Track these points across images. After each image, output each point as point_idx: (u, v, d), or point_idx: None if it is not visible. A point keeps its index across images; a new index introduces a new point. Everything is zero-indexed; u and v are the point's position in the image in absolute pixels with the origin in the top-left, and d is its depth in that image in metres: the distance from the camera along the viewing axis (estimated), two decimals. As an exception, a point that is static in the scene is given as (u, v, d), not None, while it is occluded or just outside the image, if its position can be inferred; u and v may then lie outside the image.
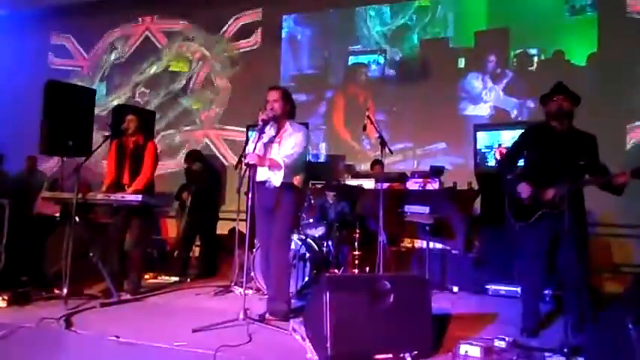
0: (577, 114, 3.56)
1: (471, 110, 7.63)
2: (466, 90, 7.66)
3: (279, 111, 3.86)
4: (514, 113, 7.36)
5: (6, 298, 4.10)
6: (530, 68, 7.38)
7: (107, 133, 4.95)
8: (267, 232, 3.91)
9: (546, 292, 4.56)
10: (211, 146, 9.04)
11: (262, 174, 3.86)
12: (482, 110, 7.55)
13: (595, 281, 4.79)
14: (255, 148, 3.76)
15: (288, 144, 3.84)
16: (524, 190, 3.46)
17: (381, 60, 8.29)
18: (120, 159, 4.89)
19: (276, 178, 3.77)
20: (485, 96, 7.57)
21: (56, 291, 4.44)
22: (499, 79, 7.51)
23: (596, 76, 6.84)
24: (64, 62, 10.41)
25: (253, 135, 3.85)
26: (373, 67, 8.33)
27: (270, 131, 3.92)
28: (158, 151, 5.11)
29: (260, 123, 3.78)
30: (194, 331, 3.35)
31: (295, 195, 3.92)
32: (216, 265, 6.30)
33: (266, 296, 4.59)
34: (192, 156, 6.61)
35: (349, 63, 8.50)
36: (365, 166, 7.47)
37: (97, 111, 6.81)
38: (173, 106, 9.50)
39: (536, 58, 7.36)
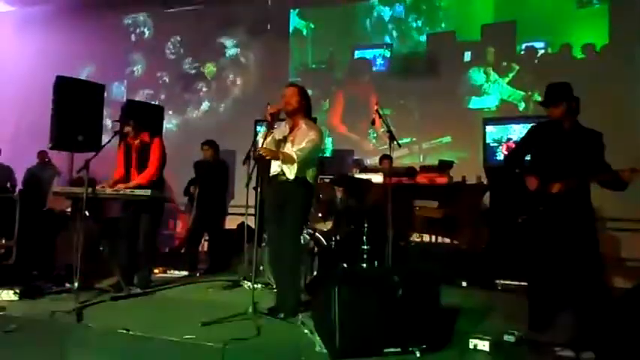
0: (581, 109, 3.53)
1: (477, 104, 7.60)
2: (472, 83, 7.63)
3: (296, 105, 3.85)
4: (521, 107, 7.32)
5: (18, 291, 4.15)
6: (537, 61, 7.33)
7: (117, 129, 4.99)
8: (277, 227, 3.89)
9: (555, 287, 4.53)
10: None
11: (276, 168, 3.86)
12: (488, 104, 7.51)
13: (605, 276, 4.75)
14: (263, 143, 3.75)
15: (302, 139, 3.80)
16: (531, 182, 3.45)
17: (387, 54, 8.26)
18: (127, 159, 4.93)
19: (289, 172, 3.75)
20: (490, 89, 7.53)
21: (67, 285, 4.49)
22: (505, 73, 7.46)
23: (605, 68, 6.77)
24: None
25: (262, 130, 3.85)
26: (379, 61, 8.30)
27: (284, 128, 3.93)
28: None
29: (268, 118, 3.77)
30: (203, 324, 3.37)
31: (307, 191, 3.87)
32: (225, 259, 6.32)
33: (275, 290, 4.62)
34: (207, 143, 6.60)
35: (355, 57, 8.49)
36: (371, 161, 7.48)
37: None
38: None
39: (542, 51, 7.31)
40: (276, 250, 3.98)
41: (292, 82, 4.10)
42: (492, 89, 7.52)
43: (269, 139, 3.80)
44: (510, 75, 7.45)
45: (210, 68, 9.46)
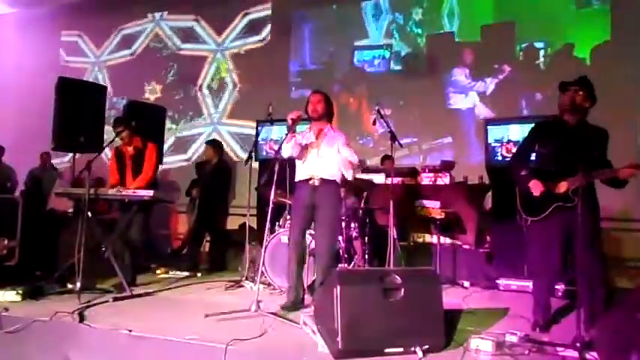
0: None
1: (477, 104, 7.59)
2: (470, 84, 7.62)
3: (321, 112, 4.09)
4: (521, 107, 7.31)
5: (20, 292, 4.15)
6: (536, 62, 7.32)
7: (118, 130, 5.00)
8: (304, 228, 4.11)
9: (559, 287, 4.53)
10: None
11: (306, 172, 4.04)
12: (487, 104, 7.51)
13: (608, 276, 4.75)
14: (280, 148, 3.96)
15: (336, 149, 4.02)
16: (535, 187, 3.44)
17: (387, 54, 8.26)
18: (121, 164, 5.01)
19: (348, 175, 4.11)
20: (489, 90, 7.52)
21: (69, 285, 4.49)
22: (504, 73, 7.45)
23: (605, 68, 6.76)
24: (75, 59, 10.53)
25: (284, 134, 3.97)
26: (376, 61, 8.29)
27: (309, 134, 4.13)
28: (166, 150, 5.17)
29: (289, 122, 3.90)
30: (207, 316, 3.38)
31: (339, 191, 4.18)
32: (227, 260, 6.33)
33: (276, 291, 4.63)
34: (210, 143, 6.61)
35: (354, 58, 8.48)
36: (370, 162, 7.49)
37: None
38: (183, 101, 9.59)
39: (542, 52, 7.30)
40: (296, 247, 4.07)
41: (318, 89, 4.32)
42: (491, 90, 7.52)
43: (291, 142, 3.95)
44: (510, 75, 7.44)
45: (215, 71, 9.46)
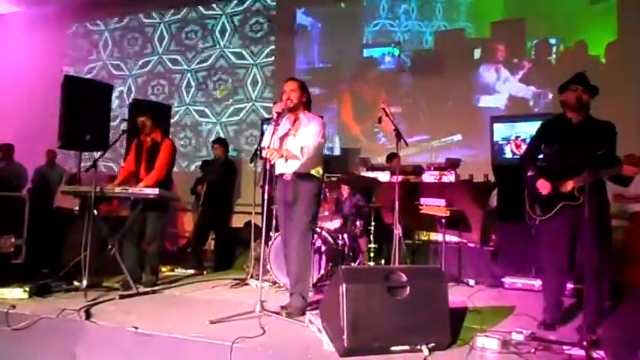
0: (595, 105, 3.49)
1: (487, 102, 7.55)
2: (481, 81, 7.59)
3: (296, 101, 3.84)
4: (531, 104, 7.28)
5: (27, 289, 4.17)
6: (548, 58, 7.28)
7: (124, 128, 5.03)
8: (287, 225, 3.90)
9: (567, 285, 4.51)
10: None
11: (280, 167, 3.86)
12: (498, 101, 7.47)
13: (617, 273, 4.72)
14: (270, 141, 3.76)
15: (304, 134, 3.81)
16: (543, 187, 3.43)
17: (396, 52, 8.23)
18: (138, 156, 4.99)
19: (293, 168, 3.77)
20: (500, 87, 7.48)
21: (76, 283, 4.52)
22: (515, 70, 7.41)
23: (616, 64, 6.70)
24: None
25: (268, 128, 3.85)
26: (387, 59, 8.27)
27: (285, 124, 3.92)
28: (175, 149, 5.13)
29: (274, 115, 3.77)
30: (211, 322, 3.38)
31: (314, 186, 3.86)
32: (232, 258, 6.34)
33: (282, 288, 4.63)
34: (218, 141, 6.63)
35: (363, 56, 8.46)
36: (381, 160, 7.47)
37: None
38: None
39: (554, 48, 7.25)
40: (285, 247, 3.98)
41: (292, 77, 4.08)
42: (502, 87, 7.48)
43: (274, 137, 3.80)
44: (521, 72, 7.40)
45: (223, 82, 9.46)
